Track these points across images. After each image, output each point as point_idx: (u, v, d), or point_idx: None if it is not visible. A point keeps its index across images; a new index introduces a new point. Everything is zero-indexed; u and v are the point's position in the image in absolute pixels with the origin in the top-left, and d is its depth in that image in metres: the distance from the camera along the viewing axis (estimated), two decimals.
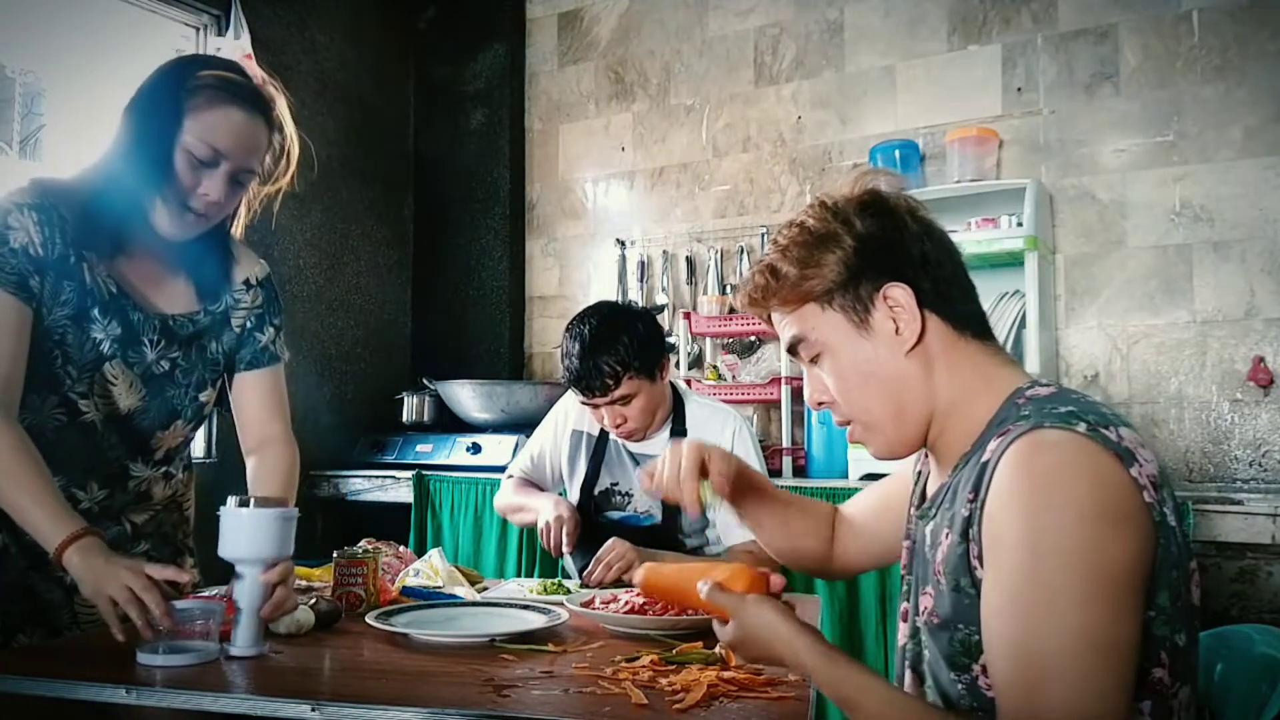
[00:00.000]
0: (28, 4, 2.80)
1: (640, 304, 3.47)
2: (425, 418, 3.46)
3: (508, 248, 3.79)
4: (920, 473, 1.16)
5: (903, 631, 1.10)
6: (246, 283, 1.59)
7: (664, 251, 3.57)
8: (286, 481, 1.56)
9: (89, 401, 1.43)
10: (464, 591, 1.72)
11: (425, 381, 3.44)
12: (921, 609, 1.02)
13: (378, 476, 3.29)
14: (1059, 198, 2.98)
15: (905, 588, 1.11)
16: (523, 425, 3.05)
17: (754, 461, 2.00)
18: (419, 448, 3.34)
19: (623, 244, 3.63)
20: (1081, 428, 0.87)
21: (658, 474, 1.29)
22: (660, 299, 3.54)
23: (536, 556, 2.94)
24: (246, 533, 1.27)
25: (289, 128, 1.48)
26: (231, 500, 1.28)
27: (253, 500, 1.29)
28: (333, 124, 3.58)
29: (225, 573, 1.30)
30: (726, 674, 1.14)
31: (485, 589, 1.84)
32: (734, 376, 3.40)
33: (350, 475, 3.33)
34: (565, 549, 1.94)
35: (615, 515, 2.07)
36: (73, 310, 1.39)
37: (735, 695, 1.09)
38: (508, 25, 3.86)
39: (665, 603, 1.41)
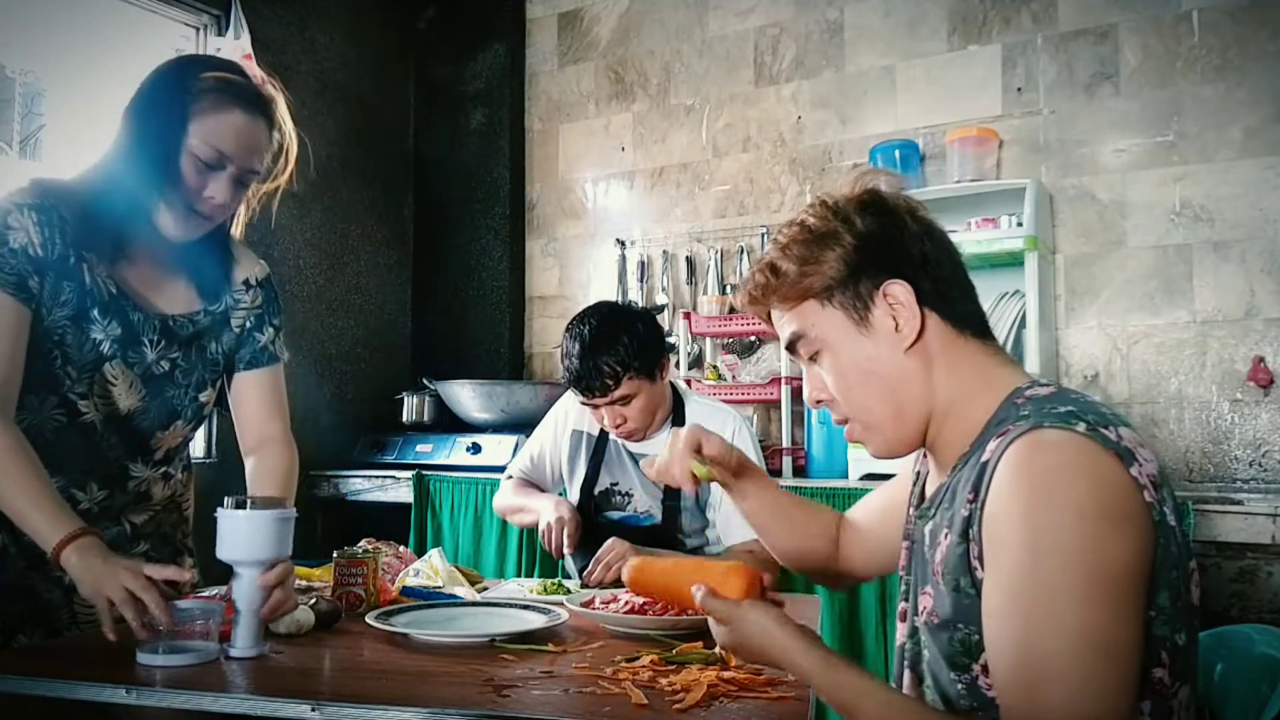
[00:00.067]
0: (28, 4, 2.80)
1: (640, 304, 3.47)
2: (425, 418, 3.46)
3: (508, 248, 3.79)
4: (919, 473, 1.16)
5: (901, 631, 1.10)
6: (246, 283, 1.59)
7: (664, 251, 3.57)
8: (285, 481, 1.56)
9: (89, 402, 1.43)
10: (464, 591, 1.72)
11: (425, 381, 3.44)
12: (921, 609, 1.02)
13: (378, 476, 3.29)
14: (1059, 198, 2.98)
15: (904, 588, 1.11)
16: (523, 425, 3.04)
17: (754, 461, 2.00)
18: (419, 448, 3.34)
19: (623, 244, 3.63)
20: (1081, 427, 0.87)
21: (658, 460, 1.32)
22: (660, 299, 3.54)
23: (536, 556, 2.94)
24: (244, 534, 1.27)
25: (288, 126, 1.48)
26: (229, 501, 1.27)
27: (250, 501, 1.29)
28: (333, 124, 3.58)
29: (225, 573, 1.30)
30: (726, 674, 1.14)
31: (485, 589, 1.84)
32: (734, 376, 3.40)
33: (350, 475, 3.33)
34: (566, 550, 1.94)
35: (615, 515, 2.07)
36: (72, 311, 1.39)
37: (735, 695, 1.09)
38: (508, 25, 3.86)
39: (654, 598, 1.40)
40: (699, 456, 1.30)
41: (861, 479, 2.74)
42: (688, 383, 3.10)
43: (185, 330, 1.51)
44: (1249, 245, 2.74)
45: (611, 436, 2.07)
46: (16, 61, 2.81)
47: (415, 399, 3.47)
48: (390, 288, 3.84)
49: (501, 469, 2.46)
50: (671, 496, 2.00)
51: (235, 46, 2.97)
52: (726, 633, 1.04)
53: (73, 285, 1.39)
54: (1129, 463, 0.86)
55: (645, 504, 2.04)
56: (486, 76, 3.86)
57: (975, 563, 0.91)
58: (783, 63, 3.44)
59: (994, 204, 2.85)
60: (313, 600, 1.45)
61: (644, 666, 1.19)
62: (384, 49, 3.86)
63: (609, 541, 1.84)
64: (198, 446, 3.04)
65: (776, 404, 3.21)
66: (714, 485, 1.98)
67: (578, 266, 3.79)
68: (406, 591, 1.69)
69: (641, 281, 3.59)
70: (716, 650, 1.24)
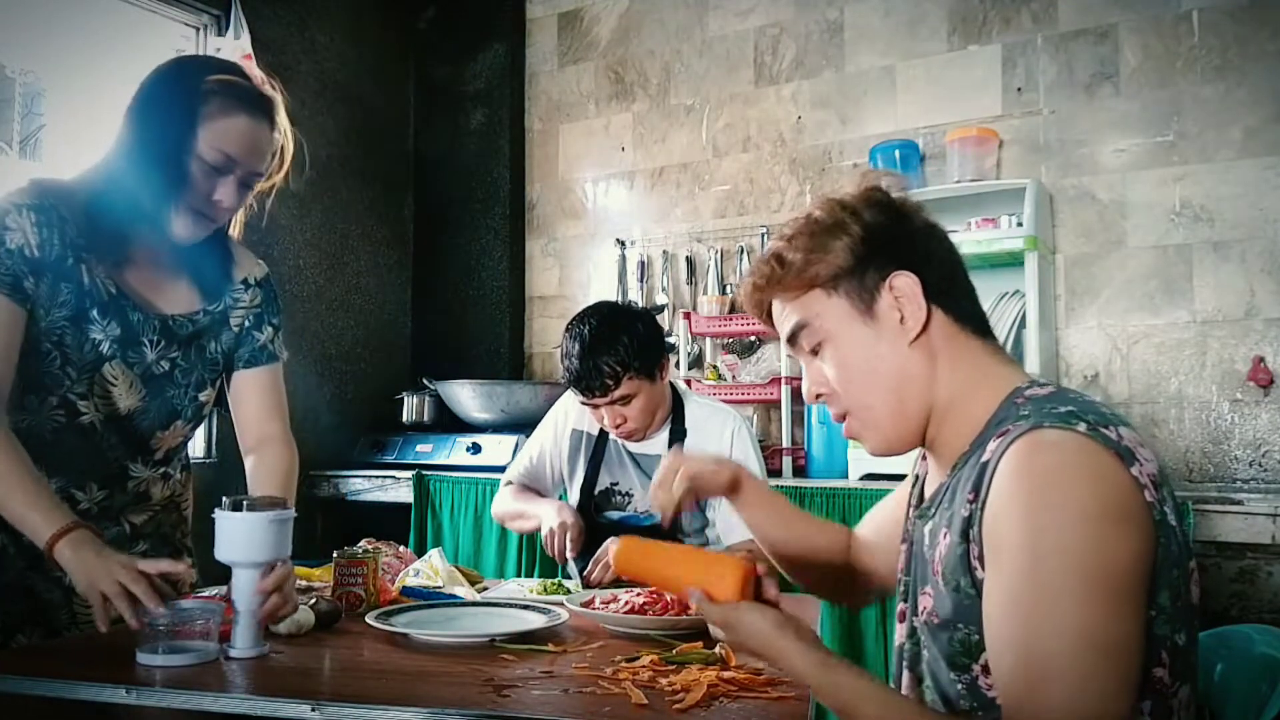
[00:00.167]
0: (28, 4, 2.80)
1: (640, 304, 3.47)
2: (425, 418, 3.46)
3: (508, 248, 3.79)
4: (918, 475, 1.16)
5: (900, 632, 1.10)
6: (245, 282, 1.60)
7: (664, 251, 3.57)
8: (285, 481, 1.56)
9: (88, 402, 1.43)
10: (464, 591, 1.72)
11: (425, 381, 3.44)
12: (921, 609, 1.02)
13: (378, 476, 3.29)
14: (1059, 198, 2.98)
15: (902, 588, 1.11)
16: (523, 425, 3.04)
17: (753, 461, 2.00)
18: (419, 448, 3.34)
19: (623, 244, 3.63)
20: (1081, 427, 0.87)
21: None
22: (660, 299, 3.54)
23: (537, 557, 2.94)
24: (242, 535, 1.26)
25: (284, 125, 1.48)
26: (226, 502, 1.27)
27: (248, 502, 1.29)
28: (333, 124, 3.58)
29: (224, 573, 1.30)
30: (726, 674, 1.14)
31: (485, 589, 1.84)
32: (734, 376, 3.40)
33: (350, 475, 3.33)
34: (569, 554, 1.94)
35: (615, 515, 2.07)
36: (71, 311, 1.39)
37: (735, 695, 1.09)
38: (508, 25, 3.86)
39: (640, 580, 1.38)
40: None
41: (861, 479, 2.74)
42: (688, 383, 3.10)
43: (185, 330, 1.51)
44: (1249, 245, 2.74)
45: (611, 436, 2.07)
46: (16, 61, 2.81)
47: (415, 399, 3.47)
48: (390, 288, 3.84)
49: (502, 469, 2.46)
50: None
51: (235, 46, 2.97)
52: (726, 636, 1.04)
53: (71, 286, 1.39)
54: (1129, 462, 0.86)
55: (645, 503, 2.04)
56: (486, 76, 3.86)
57: (975, 563, 0.91)
58: (783, 63, 3.44)
59: (994, 204, 2.85)
60: (313, 600, 1.45)
61: (644, 666, 1.19)
62: (384, 49, 3.86)
63: (609, 541, 1.84)
64: (198, 446, 3.04)
65: (776, 404, 3.21)
66: (717, 455, 1.99)
67: (578, 266, 3.79)
68: (406, 591, 1.69)
69: (641, 281, 3.59)
70: (717, 650, 1.24)
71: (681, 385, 2.17)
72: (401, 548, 1.96)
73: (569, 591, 1.74)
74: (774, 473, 2.95)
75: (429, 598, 1.64)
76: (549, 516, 1.98)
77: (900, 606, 1.11)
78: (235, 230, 1.59)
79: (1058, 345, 2.95)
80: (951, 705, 0.96)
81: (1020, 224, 2.76)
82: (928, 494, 1.09)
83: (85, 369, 1.42)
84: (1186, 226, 2.82)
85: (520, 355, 3.82)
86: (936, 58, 3.18)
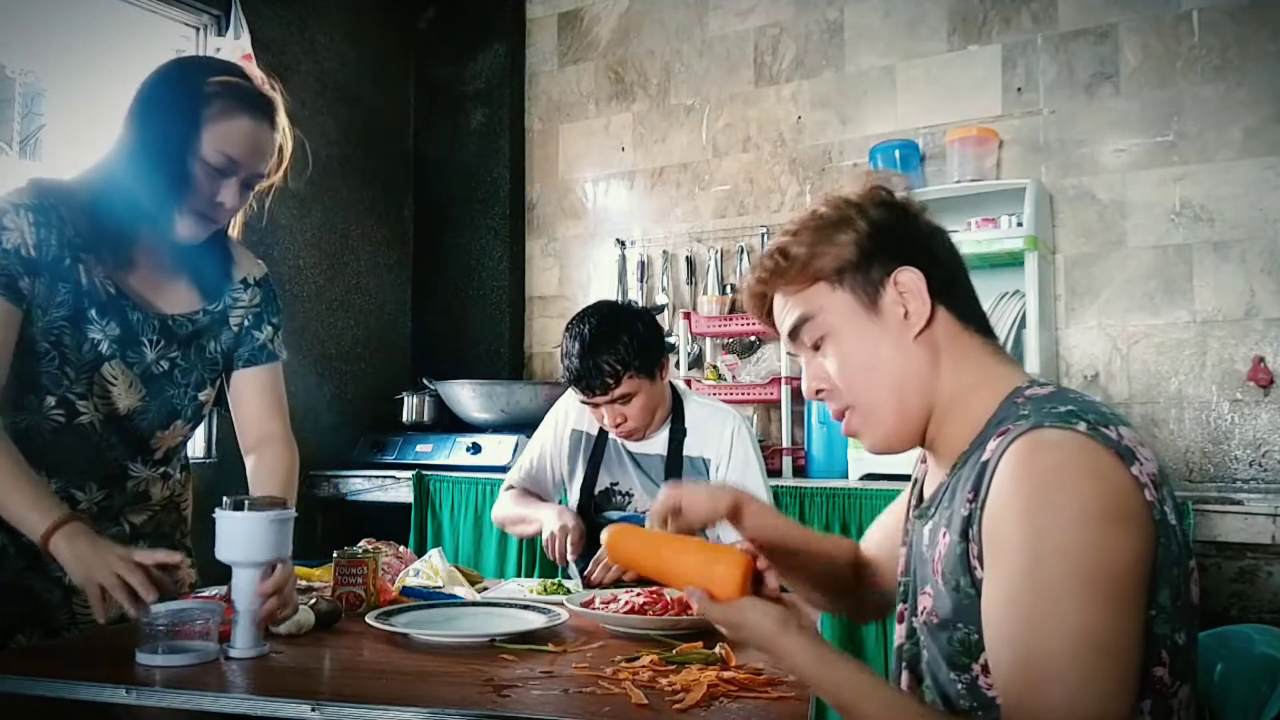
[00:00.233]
0: (28, 4, 2.80)
1: (640, 304, 3.47)
2: (425, 418, 3.46)
3: (508, 248, 3.79)
4: (916, 479, 1.16)
5: (900, 633, 1.10)
6: (245, 282, 1.60)
7: (664, 251, 3.57)
8: (285, 480, 1.56)
9: (87, 402, 1.43)
10: (464, 591, 1.72)
11: (425, 381, 3.44)
12: (920, 609, 1.02)
13: (378, 476, 3.29)
14: (1059, 198, 2.98)
15: (901, 589, 1.11)
16: (523, 425, 3.05)
17: (753, 460, 2.00)
18: (419, 448, 3.34)
19: (623, 244, 3.63)
20: (1082, 426, 0.87)
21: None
22: (660, 299, 3.54)
23: (537, 557, 2.94)
24: (242, 535, 1.26)
25: (285, 125, 1.48)
26: (227, 502, 1.27)
27: (248, 502, 1.29)
28: (333, 124, 3.58)
29: (224, 573, 1.30)
30: (726, 674, 1.14)
31: (485, 589, 1.85)
32: (734, 376, 3.40)
33: (350, 475, 3.33)
34: (570, 558, 1.94)
35: (615, 515, 2.07)
36: (69, 311, 1.40)
37: (735, 695, 1.09)
38: (508, 25, 3.86)
39: (632, 568, 1.36)
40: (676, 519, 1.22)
41: (861, 479, 2.74)
42: (688, 383, 3.10)
43: (184, 330, 1.52)
44: (1249, 245, 2.74)
45: (610, 436, 2.07)
46: (16, 61, 2.81)
47: (415, 399, 3.47)
48: (390, 288, 3.84)
49: (502, 469, 2.46)
50: None
51: (235, 46, 2.97)
52: (727, 633, 1.04)
53: (69, 286, 1.39)
54: (1130, 462, 0.86)
55: (645, 503, 2.04)
56: (486, 76, 3.86)
57: (975, 562, 0.91)
58: (783, 63, 3.44)
59: (994, 204, 2.85)
60: (313, 600, 1.45)
61: (644, 666, 1.19)
62: (384, 49, 3.86)
63: (605, 532, 1.83)
64: (198, 446, 3.04)
65: (776, 404, 3.21)
66: (714, 483, 1.99)
67: (578, 266, 3.79)
68: (406, 591, 1.69)
69: (641, 281, 3.59)
70: (717, 650, 1.24)
71: (681, 385, 2.17)
72: (401, 548, 1.96)
73: (569, 591, 1.74)
74: (774, 473, 2.94)
75: (429, 598, 1.64)
76: (550, 520, 1.98)
77: (900, 607, 1.11)
78: (235, 230, 1.59)
79: (1058, 345, 2.95)
80: (951, 705, 0.96)
81: (1020, 224, 2.76)
82: (927, 494, 1.08)
83: (84, 369, 1.42)
84: (1186, 226, 2.82)
85: (520, 355, 3.82)
86: (936, 58, 3.18)
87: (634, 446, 2.06)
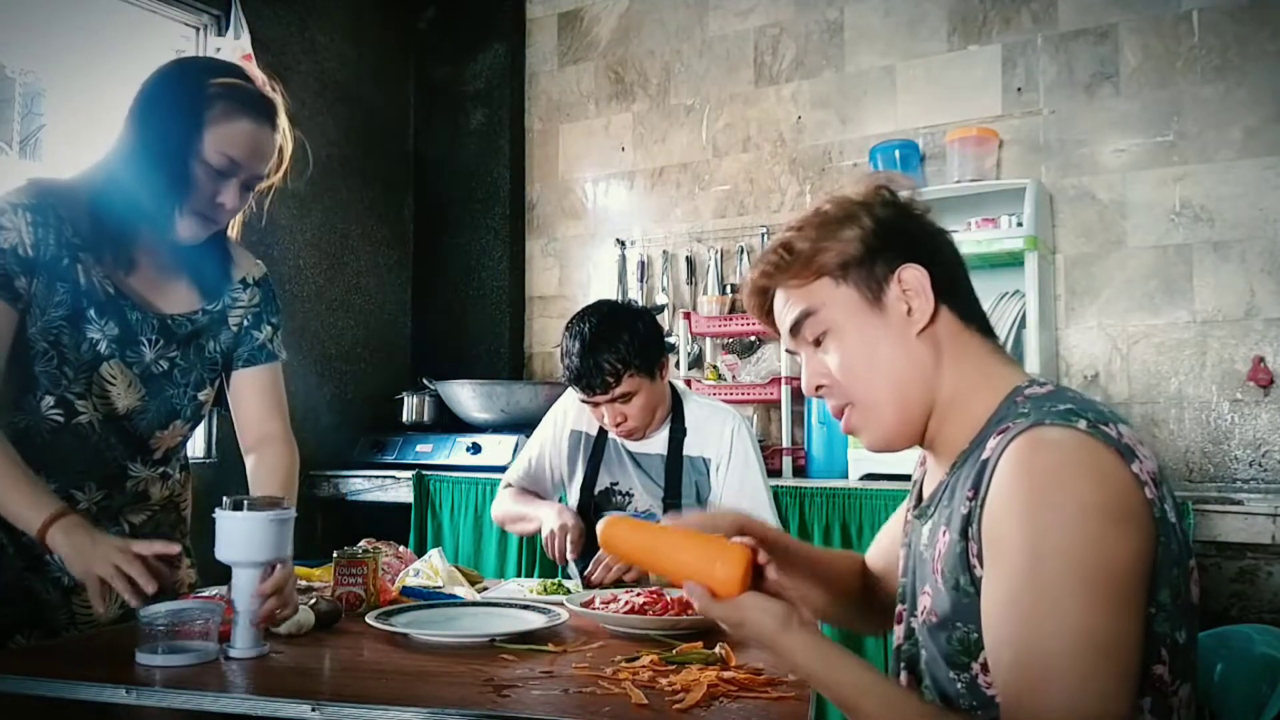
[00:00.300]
0: (28, 4, 2.80)
1: (640, 304, 3.47)
2: (425, 418, 3.46)
3: (508, 248, 3.79)
4: (916, 481, 1.16)
5: (898, 633, 1.10)
6: (244, 282, 1.60)
7: (664, 251, 3.57)
8: (286, 480, 1.56)
9: (86, 402, 1.43)
10: (464, 591, 1.72)
11: (425, 381, 3.44)
12: (920, 609, 1.02)
13: (378, 476, 3.29)
14: (1059, 198, 2.98)
15: (900, 590, 1.11)
16: (523, 425, 3.04)
17: (753, 461, 2.00)
18: (419, 448, 3.34)
19: (623, 244, 3.63)
20: (1082, 424, 0.87)
21: None
22: (660, 299, 3.54)
23: (537, 557, 2.94)
24: (242, 535, 1.26)
25: (285, 126, 1.48)
26: (226, 502, 1.27)
27: (248, 502, 1.29)
28: (333, 124, 3.58)
29: (224, 573, 1.30)
30: (726, 674, 1.14)
31: (485, 589, 1.85)
32: (734, 376, 3.40)
33: (350, 475, 3.33)
34: (570, 557, 1.94)
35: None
36: (67, 311, 1.40)
37: (735, 695, 1.09)
38: (508, 25, 3.86)
39: (628, 560, 1.34)
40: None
41: (862, 479, 2.74)
42: (688, 383, 3.10)
43: (184, 329, 1.52)
44: (1249, 245, 2.74)
45: (610, 436, 2.07)
46: (16, 61, 2.81)
47: (415, 399, 3.47)
48: (390, 288, 3.84)
49: (502, 469, 2.46)
50: (672, 496, 2.00)
51: (235, 46, 2.97)
52: (728, 630, 1.04)
53: (67, 285, 1.39)
54: (1130, 460, 0.86)
55: (645, 503, 2.04)
56: (486, 76, 3.86)
57: (974, 561, 0.91)
58: (783, 63, 3.44)
59: (994, 204, 2.85)
60: (313, 600, 1.45)
61: (644, 666, 1.19)
62: (384, 49, 3.86)
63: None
64: (198, 446, 3.04)
65: (776, 404, 3.21)
66: (714, 483, 2.00)
67: (578, 266, 3.79)
68: (406, 591, 1.69)
69: (641, 281, 3.59)
70: (716, 650, 1.24)
71: (680, 385, 2.17)
72: (401, 548, 1.96)
73: (569, 591, 1.74)
74: (774, 473, 2.94)
75: (429, 598, 1.64)
76: (549, 519, 1.98)
77: (899, 608, 1.11)
78: (233, 230, 1.59)
79: (1058, 345, 2.95)
80: (951, 704, 0.96)
81: (1020, 224, 2.76)
82: (926, 495, 1.08)
83: (83, 368, 1.42)
84: (1186, 226, 2.82)
85: (520, 355, 3.82)
86: (936, 58, 3.18)
87: (634, 446, 2.06)
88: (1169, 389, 2.83)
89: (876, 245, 1.02)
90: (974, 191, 2.89)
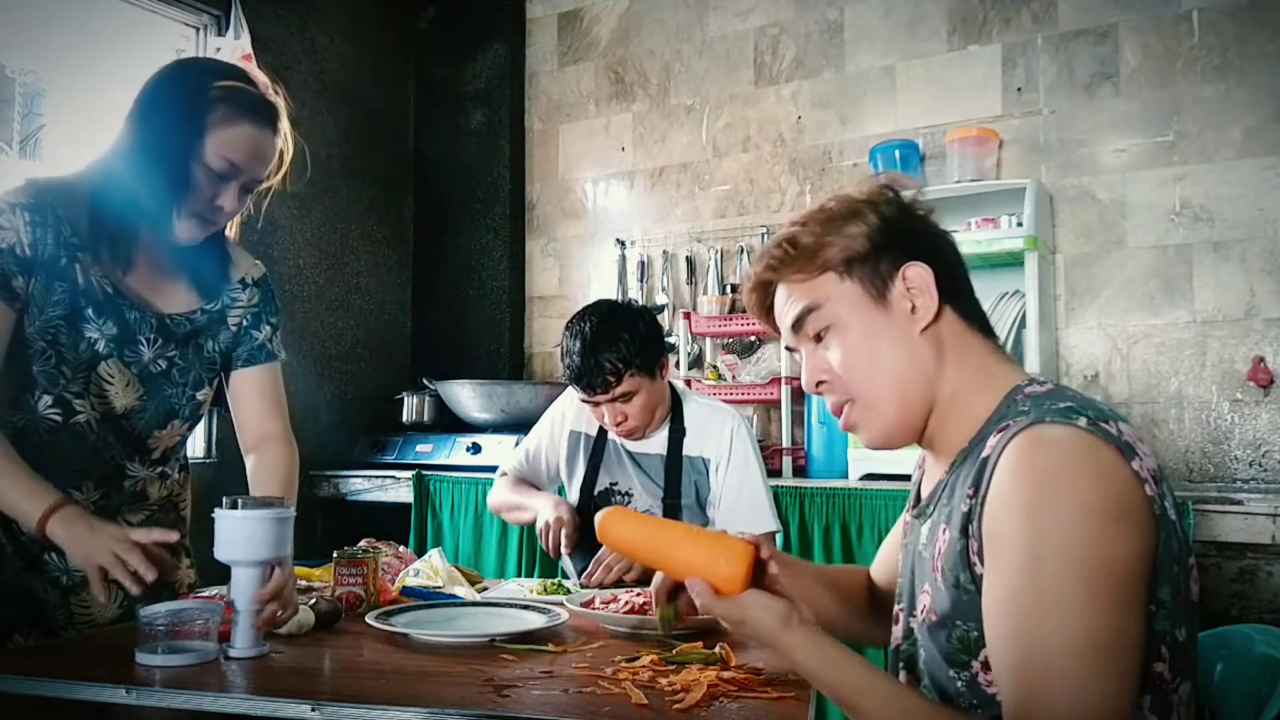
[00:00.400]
0: (28, 4, 2.80)
1: (640, 304, 3.47)
2: (425, 418, 3.46)
3: (508, 248, 3.79)
4: (914, 482, 1.16)
5: (895, 634, 1.10)
6: (243, 282, 1.60)
7: (664, 251, 3.57)
8: (285, 480, 1.56)
9: (84, 401, 1.43)
10: (464, 591, 1.72)
11: (425, 381, 3.44)
12: (919, 608, 1.02)
13: (378, 476, 3.29)
14: (1059, 198, 2.98)
15: (898, 589, 1.11)
16: (523, 425, 3.03)
17: (752, 461, 2.00)
18: (419, 448, 3.34)
19: (623, 244, 3.63)
20: (1082, 422, 0.87)
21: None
22: (660, 299, 3.54)
23: (536, 557, 2.94)
24: (241, 535, 1.26)
25: (285, 129, 1.48)
26: (226, 502, 1.27)
27: (248, 502, 1.29)
28: (333, 124, 3.58)
29: (224, 573, 1.30)
30: (726, 674, 1.14)
31: (485, 589, 1.84)
32: (734, 376, 3.40)
33: (350, 475, 3.33)
34: (564, 550, 1.94)
35: None
36: (65, 310, 1.40)
37: (735, 695, 1.09)
38: (508, 25, 3.87)
39: (628, 557, 1.33)
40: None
41: (861, 479, 2.74)
42: (688, 383, 3.10)
43: (182, 329, 1.52)
44: (1249, 245, 2.74)
45: (610, 436, 2.07)
46: (16, 61, 2.81)
47: (415, 399, 3.47)
48: (390, 288, 3.84)
49: None
50: (672, 496, 2.00)
51: (235, 46, 2.97)
52: (730, 627, 1.04)
53: (65, 285, 1.39)
54: (1130, 457, 0.86)
55: (645, 503, 2.03)
56: (486, 76, 3.86)
57: (975, 559, 0.91)
58: (783, 63, 3.44)
59: (994, 204, 2.85)
60: (313, 600, 1.45)
61: (644, 666, 1.19)
62: (384, 49, 3.86)
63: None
64: (197, 446, 3.04)
65: (776, 404, 3.21)
66: (713, 483, 2.00)
67: (578, 266, 3.79)
68: (406, 591, 1.69)
69: (641, 281, 3.59)
70: (716, 650, 1.24)
71: (680, 385, 2.17)
72: (401, 548, 1.95)
73: (569, 591, 1.74)
74: (774, 473, 2.94)
75: (429, 598, 1.64)
76: (545, 509, 1.99)
77: (896, 608, 1.11)
78: (232, 231, 1.60)
79: (1058, 345, 2.95)
80: (951, 703, 0.96)
81: (1020, 224, 2.76)
82: (924, 494, 1.08)
83: (81, 368, 1.42)
84: (1186, 226, 2.82)
85: (520, 355, 3.82)
86: (936, 58, 3.18)
87: (633, 446, 2.06)
88: (1169, 389, 2.83)
89: (882, 242, 1.02)
90: (974, 191, 2.89)
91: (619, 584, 1.78)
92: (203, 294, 1.55)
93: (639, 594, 1.53)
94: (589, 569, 1.84)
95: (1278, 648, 1.09)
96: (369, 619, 1.42)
